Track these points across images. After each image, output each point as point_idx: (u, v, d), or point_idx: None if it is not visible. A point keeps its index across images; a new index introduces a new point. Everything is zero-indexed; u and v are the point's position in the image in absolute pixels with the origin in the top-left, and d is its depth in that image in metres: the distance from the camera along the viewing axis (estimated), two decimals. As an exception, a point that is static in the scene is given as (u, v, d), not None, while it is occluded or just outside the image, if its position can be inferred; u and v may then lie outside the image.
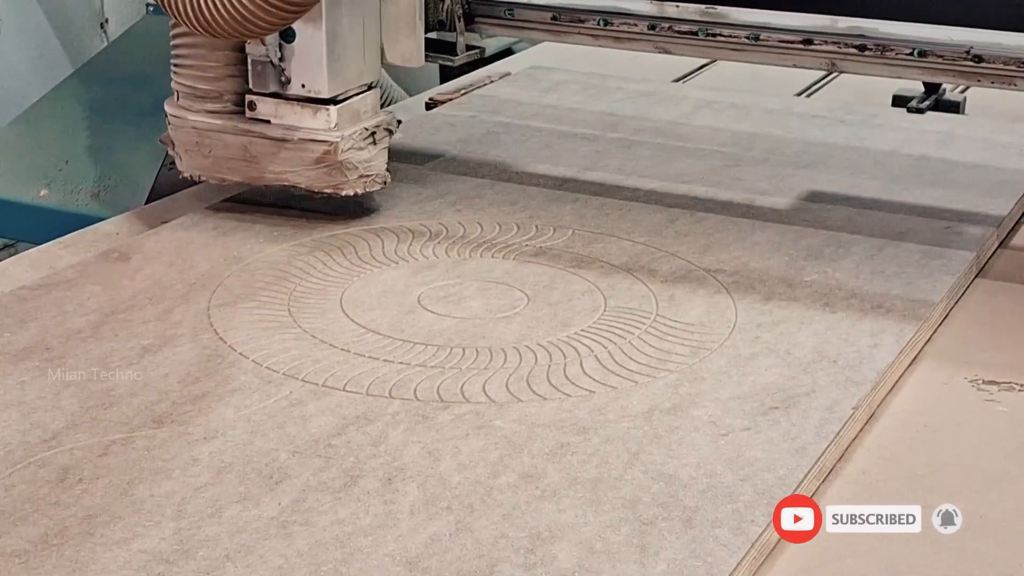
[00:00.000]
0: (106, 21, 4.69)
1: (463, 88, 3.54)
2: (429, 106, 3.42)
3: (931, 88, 3.45)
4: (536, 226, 2.63)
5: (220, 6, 2.32)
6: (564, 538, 1.66)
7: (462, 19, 2.96)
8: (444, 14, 2.96)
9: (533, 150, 3.07)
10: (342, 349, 2.13)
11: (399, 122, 2.70)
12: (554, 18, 2.93)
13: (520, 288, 2.36)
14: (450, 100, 3.43)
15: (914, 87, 3.46)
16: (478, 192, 2.79)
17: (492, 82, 3.60)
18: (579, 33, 2.93)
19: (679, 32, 2.83)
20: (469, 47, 3.01)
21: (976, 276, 2.51)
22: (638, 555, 1.63)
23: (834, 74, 3.83)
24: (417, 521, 1.69)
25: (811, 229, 2.63)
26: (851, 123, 3.30)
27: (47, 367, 2.05)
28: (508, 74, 3.66)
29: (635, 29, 2.86)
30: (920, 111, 3.40)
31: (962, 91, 3.62)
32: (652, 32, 2.85)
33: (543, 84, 3.58)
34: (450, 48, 2.99)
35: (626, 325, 2.22)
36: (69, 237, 2.59)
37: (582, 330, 2.21)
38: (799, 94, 3.69)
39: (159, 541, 1.64)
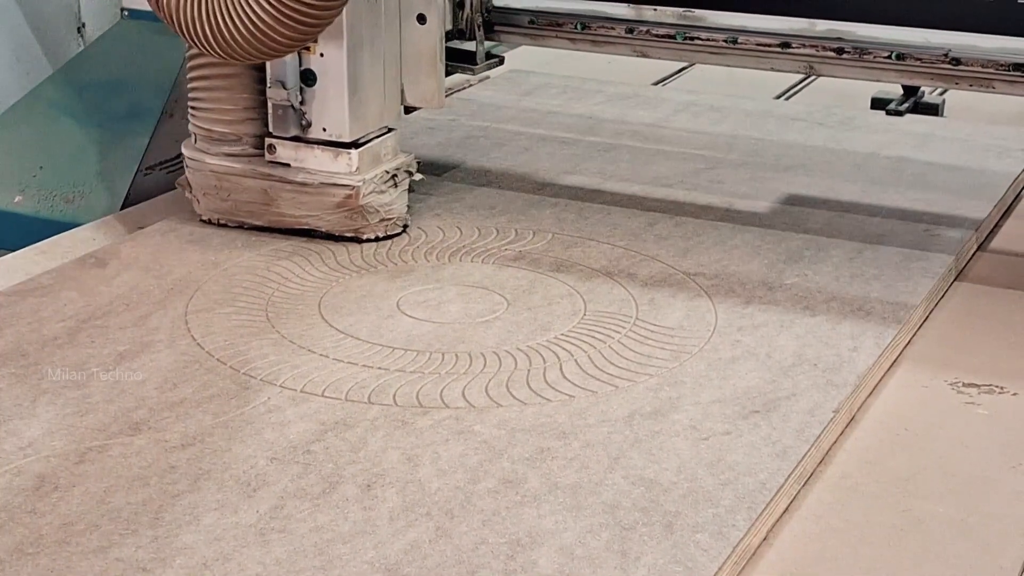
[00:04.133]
0: (83, 25, 4.67)
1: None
2: (408, 110, 3.40)
3: (910, 91, 3.46)
4: (515, 230, 2.62)
5: (238, 23, 2.26)
6: (544, 544, 1.66)
7: (482, 28, 2.95)
8: (464, 23, 2.95)
9: (512, 154, 3.07)
10: (320, 355, 2.12)
11: (419, 163, 2.66)
12: (531, 22, 2.93)
13: (499, 292, 2.35)
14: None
15: (893, 89, 3.47)
16: (457, 196, 2.79)
17: (471, 85, 3.59)
18: (557, 37, 2.93)
19: (657, 36, 2.84)
20: (488, 56, 3.00)
21: (955, 279, 2.51)
22: (619, 560, 1.63)
23: (813, 77, 3.84)
24: (396, 527, 1.68)
25: (791, 232, 2.63)
26: (830, 126, 3.31)
27: (23, 374, 2.03)
28: (487, 77, 3.66)
29: (613, 33, 2.87)
30: (899, 113, 3.40)
31: (940, 93, 3.63)
32: (630, 36, 2.86)
33: (522, 87, 3.58)
34: (469, 57, 2.97)
35: (606, 329, 2.22)
36: (45, 243, 2.57)
37: (562, 334, 2.20)
38: (778, 97, 3.69)
39: (136, 549, 1.63)
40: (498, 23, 2.98)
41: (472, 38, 2.95)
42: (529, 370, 2.08)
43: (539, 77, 3.67)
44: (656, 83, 3.77)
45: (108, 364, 2.07)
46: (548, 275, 2.42)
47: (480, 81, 3.62)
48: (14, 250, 2.56)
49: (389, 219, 2.56)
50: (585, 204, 2.76)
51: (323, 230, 2.55)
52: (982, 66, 2.60)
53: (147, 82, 2.77)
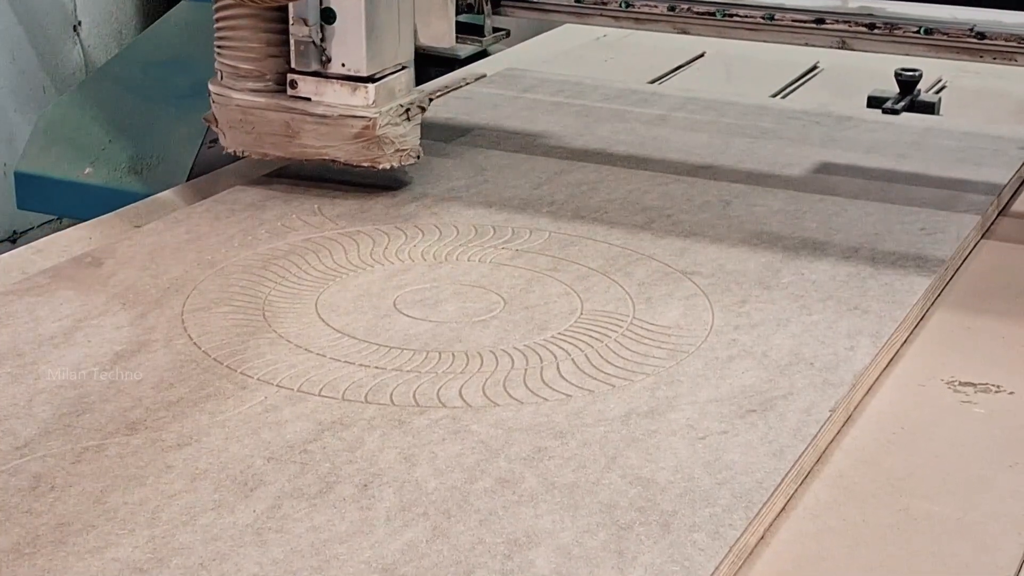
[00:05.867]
0: (79, 24, 4.67)
1: (439, 90, 3.52)
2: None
3: (906, 89, 3.46)
4: (512, 229, 2.62)
5: None
6: (541, 543, 1.66)
7: (490, 2, 3.06)
8: None
9: (508, 152, 3.07)
10: (317, 354, 2.12)
11: (430, 100, 2.85)
12: (578, 0, 3.03)
13: (496, 291, 2.35)
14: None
15: (889, 88, 3.47)
16: (453, 195, 2.79)
17: (468, 84, 3.59)
18: (601, 15, 3.10)
19: (697, 13, 3.00)
20: (496, 29, 3.15)
21: (952, 277, 2.51)
22: (616, 560, 1.63)
23: (810, 75, 3.86)
24: (393, 527, 1.68)
25: (787, 230, 2.63)
26: (827, 124, 3.31)
27: (19, 373, 2.03)
28: (484, 76, 3.66)
29: (656, 11, 3.05)
30: (895, 112, 3.40)
31: (937, 92, 3.63)
32: (671, 13, 3.02)
33: (519, 86, 3.58)
34: (478, 30, 3.12)
35: (603, 328, 2.22)
36: (41, 242, 2.57)
37: (559, 333, 2.20)
38: (774, 95, 3.69)
39: (133, 549, 1.63)
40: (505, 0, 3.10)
41: (480, 12, 3.09)
42: (526, 369, 2.08)
43: (536, 76, 3.67)
44: (652, 81, 3.77)
45: (104, 364, 2.07)
46: (545, 274, 2.42)
47: (476, 80, 3.62)
48: (84, 220, 2.68)
49: (403, 150, 2.74)
50: (582, 202, 2.76)
51: (341, 160, 2.72)
52: (1005, 40, 2.75)
53: (209, 60, 2.86)
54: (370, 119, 2.68)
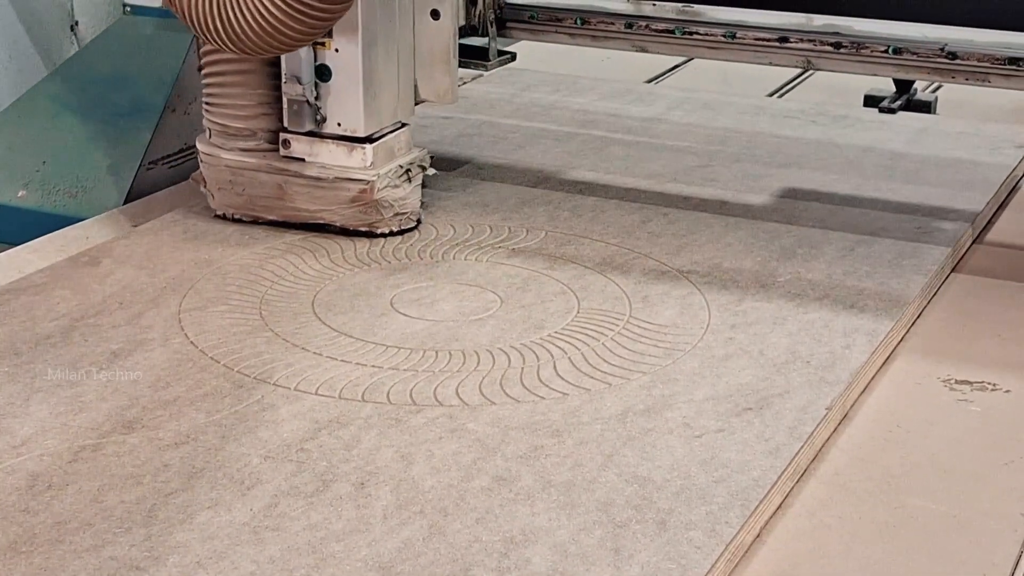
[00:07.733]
0: (76, 23, 4.66)
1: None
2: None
3: (902, 88, 3.46)
4: (509, 228, 2.62)
5: (249, 18, 2.28)
6: (538, 541, 1.66)
7: (495, 24, 2.97)
8: (476, 19, 2.97)
9: (506, 151, 3.07)
10: (314, 352, 2.12)
11: (432, 158, 2.69)
12: (531, 17, 2.96)
13: (493, 290, 2.35)
14: (423, 101, 3.42)
15: (886, 87, 3.47)
16: (450, 193, 2.79)
17: (465, 83, 3.59)
18: (557, 32, 2.98)
19: (656, 31, 2.89)
20: (501, 52, 3.03)
21: (951, 273, 2.52)
22: (612, 558, 1.63)
23: (806, 74, 3.85)
24: (390, 525, 1.68)
25: (784, 229, 2.63)
26: (823, 123, 3.31)
27: (16, 372, 2.03)
28: (481, 75, 3.65)
29: (612, 28, 2.93)
30: (892, 111, 3.41)
31: (933, 91, 3.63)
32: (629, 31, 2.91)
33: (516, 85, 3.58)
34: (482, 54, 3.00)
35: (599, 327, 2.22)
36: (38, 241, 2.57)
37: (555, 332, 2.20)
38: (771, 94, 3.69)
39: (129, 548, 1.63)
40: (511, 20, 3.01)
41: (484, 34, 2.97)
42: (523, 368, 2.08)
43: (533, 74, 3.67)
44: (649, 81, 3.77)
45: (101, 363, 2.07)
46: (541, 273, 2.42)
47: (474, 80, 3.62)
48: (17, 244, 2.57)
49: (403, 213, 2.57)
50: (578, 201, 2.76)
51: (337, 224, 2.56)
52: (978, 60, 2.64)
53: (150, 77, 2.79)
54: (368, 182, 2.53)
